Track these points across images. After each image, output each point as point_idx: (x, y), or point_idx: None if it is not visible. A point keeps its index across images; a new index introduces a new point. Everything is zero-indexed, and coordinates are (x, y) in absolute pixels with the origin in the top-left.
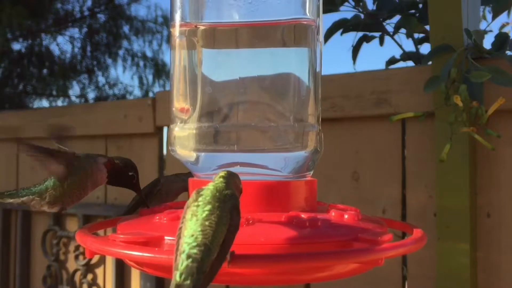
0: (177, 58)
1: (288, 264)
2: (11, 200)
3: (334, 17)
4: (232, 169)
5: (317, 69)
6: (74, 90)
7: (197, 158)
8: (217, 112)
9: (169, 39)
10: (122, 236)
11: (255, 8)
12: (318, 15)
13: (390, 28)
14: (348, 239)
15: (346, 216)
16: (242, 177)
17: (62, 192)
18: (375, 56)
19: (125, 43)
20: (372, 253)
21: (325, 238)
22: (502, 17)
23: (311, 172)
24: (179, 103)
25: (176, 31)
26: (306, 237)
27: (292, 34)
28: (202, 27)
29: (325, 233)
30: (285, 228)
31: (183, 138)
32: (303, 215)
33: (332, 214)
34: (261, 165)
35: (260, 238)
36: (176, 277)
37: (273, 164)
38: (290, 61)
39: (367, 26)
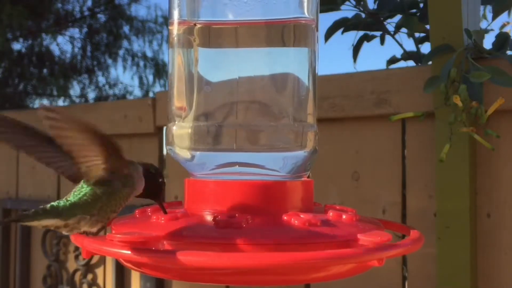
0: (175, 57)
1: (289, 264)
2: (46, 223)
3: (335, 16)
4: (231, 169)
5: (316, 69)
6: (74, 90)
7: (195, 157)
8: (215, 111)
9: (168, 38)
10: (119, 235)
11: (254, 7)
12: (317, 15)
13: (391, 28)
14: (347, 239)
15: (344, 217)
16: (240, 177)
17: (112, 205)
18: (376, 55)
19: (125, 43)
20: (372, 253)
21: (325, 238)
22: (503, 17)
23: (308, 173)
24: (178, 101)
25: (175, 29)
26: (306, 237)
27: (292, 33)
28: (200, 26)
29: (325, 233)
30: (284, 228)
31: (181, 137)
32: (302, 215)
33: (330, 215)
34: (259, 165)
35: (259, 238)
36: None
37: (272, 164)
38: (289, 61)
39: (368, 25)
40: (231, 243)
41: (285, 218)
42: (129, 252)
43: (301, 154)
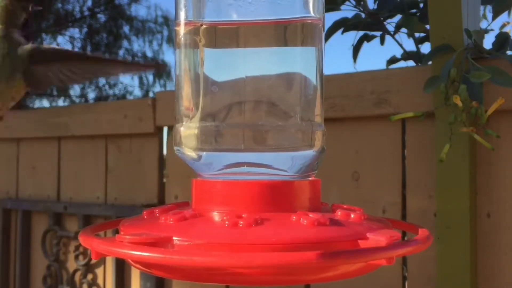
0: (181, 57)
1: (301, 263)
2: None
3: (335, 16)
4: (239, 169)
5: (323, 69)
6: (74, 90)
7: (203, 157)
8: (223, 111)
9: (169, 39)
10: (129, 236)
11: (259, 7)
12: (323, 14)
13: (391, 28)
14: (358, 238)
15: (352, 216)
16: (248, 177)
17: None
18: (376, 55)
19: (125, 43)
20: (384, 251)
21: (335, 238)
22: (503, 17)
23: (315, 172)
24: (185, 102)
25: (180, 30)
26: (317, 236)
27: (299, 33)
28: (206, 26)
29: (335, 233)
30: (295, 228)
31: (189, 137)
32: (311, 215)
33: (338, 214)
34: (268, 165)
35: (271, 238)
36: None
37: (280, 164)
38: (297, 60)
39: (368, 25)
40: (241, 243)
41: (294, 217)
42: (139, 253)
43: (309, 153)
